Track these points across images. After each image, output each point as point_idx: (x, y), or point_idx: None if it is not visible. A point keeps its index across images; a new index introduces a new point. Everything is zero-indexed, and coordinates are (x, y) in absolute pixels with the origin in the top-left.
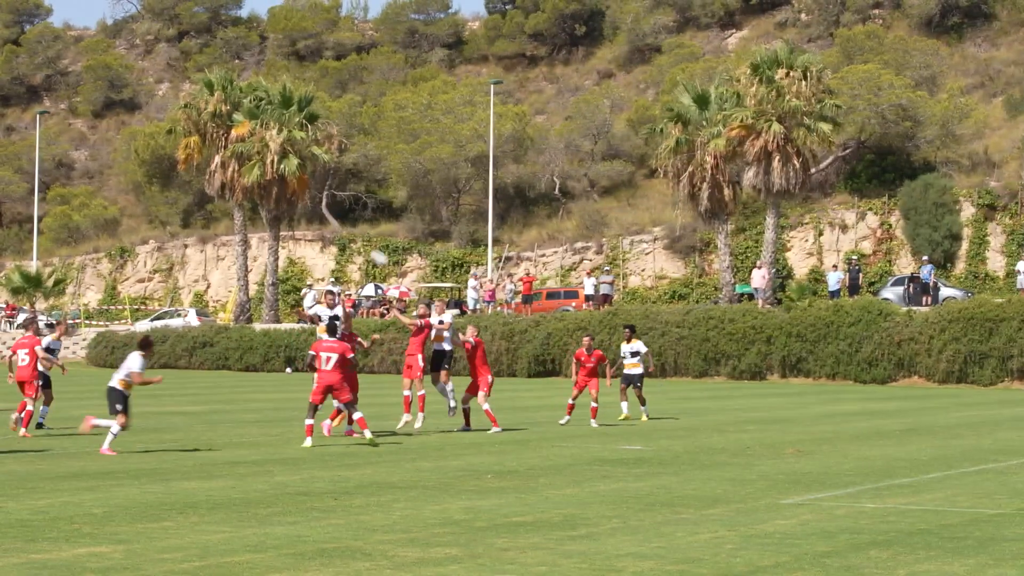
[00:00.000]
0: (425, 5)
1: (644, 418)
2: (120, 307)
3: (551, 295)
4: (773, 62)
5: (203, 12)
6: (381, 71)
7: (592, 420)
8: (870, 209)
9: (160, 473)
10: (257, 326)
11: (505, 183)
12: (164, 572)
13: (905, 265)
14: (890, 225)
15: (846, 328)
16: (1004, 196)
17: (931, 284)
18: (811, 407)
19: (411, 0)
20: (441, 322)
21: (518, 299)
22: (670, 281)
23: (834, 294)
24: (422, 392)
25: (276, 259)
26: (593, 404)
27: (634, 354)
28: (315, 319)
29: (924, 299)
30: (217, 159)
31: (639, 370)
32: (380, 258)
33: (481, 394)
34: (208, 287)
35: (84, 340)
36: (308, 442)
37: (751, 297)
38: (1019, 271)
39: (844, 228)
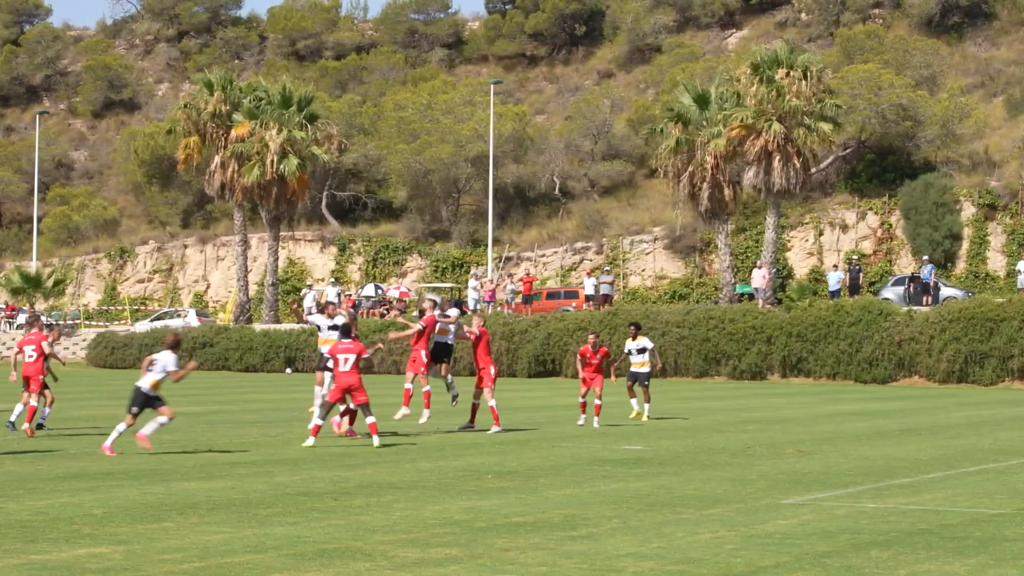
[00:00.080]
0: (425, 5)
1: (644, 418)
2: (120, 308)
3: (551, 295)
4: (773, 62)
5: (203, 12)
6: (381, 71)
7: (595, 419)
8: (870, 209)
9: (160, 474)
10: (257, 326)
11: (505, 183)
12: (164, 573)
13: (905, 265)
14: (890, 225)
15: (846, 328)
16: (1004, 196)
17: (931, 284)
18: (811, 407)
19: (411, 0)
20: (446, 315)
21: (518, 299)
22: (670, 281)
23: (834, 294)
24: (427, 388)
25: (276, 259)
26: (597, 402)
27: (640, 351)
28: (317, 327)
29: (924, 299)
30: (217, 159)
31: (646, 368)
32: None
33: (487, 390)
34: (208, 287)
35: (84, 341)
36: (311, 441)
37: (751, 297)
38: (1019, 271)
39: (844, 228)
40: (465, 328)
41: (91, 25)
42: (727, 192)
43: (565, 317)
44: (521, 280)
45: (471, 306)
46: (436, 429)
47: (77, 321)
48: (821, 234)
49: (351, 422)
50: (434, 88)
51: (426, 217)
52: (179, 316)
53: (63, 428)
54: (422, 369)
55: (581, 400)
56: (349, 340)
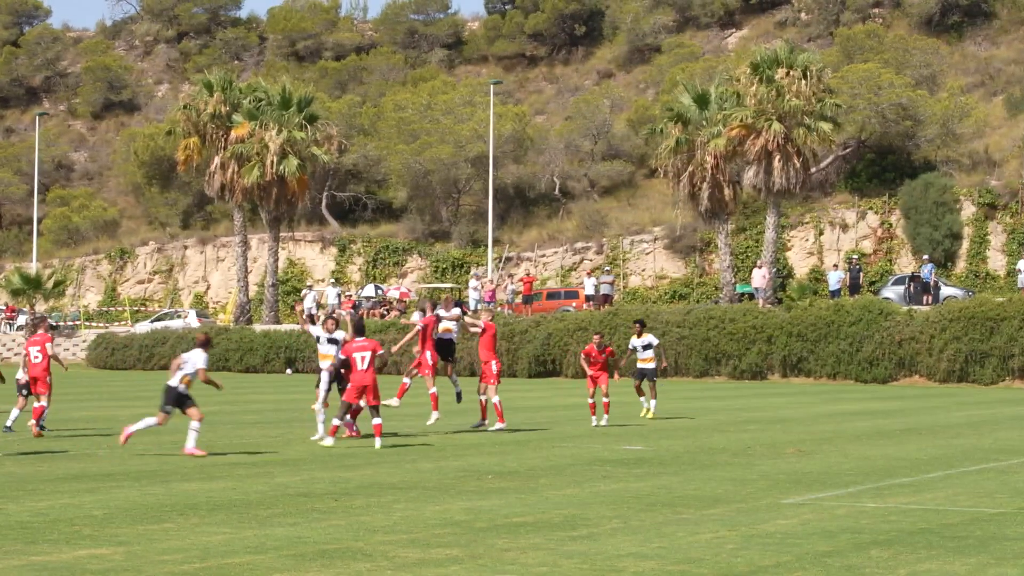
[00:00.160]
0: (424, 5)
1: (649, 414)
2: (120, 308)
3: (551, 295)
4: (773, 61)
5: (202, 13)
6: (381, 71)
7: (604, 416)
8: (870, 208)
9: (160, 475)
10: (257, 327)
11: (505, 183)
12: (164, 574)
13: (906, 264)
14: (890, 224)
15: (847, 328)
16: (1004, 195)
17: (932, 283)
18: (812, 407)
19: (411, 0)
20: (449, 313)
21: (518, 299)
22: (670, 281)
23: (835, 293)
24: (433, 390)
25: (276, 260)
26: (605, 399)
27: (646, 347)
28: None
29: (925, 298)
30: (217, 160)
31: (652, 364)
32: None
33: (491, 387)
34: (208, 288)
35: (84, 342)
36: (329, 441)
37: (752, 297)
38: (1020, 270)
39: (844, 227)
40: (468, 321)
41: (91, 26)
42: (727, 192)
43: (565, 317)
44: (521, 280)
45: (471, 306)
46: (440, 430)
47: (77, 322)
48: (821, 234)
49: (353, 417)
50: (434, 88)
51: (426, 217)
52: (179, 317)
53: (63, 429)
54: (427, 371)
55: (590, 401)
56: (364, 338)
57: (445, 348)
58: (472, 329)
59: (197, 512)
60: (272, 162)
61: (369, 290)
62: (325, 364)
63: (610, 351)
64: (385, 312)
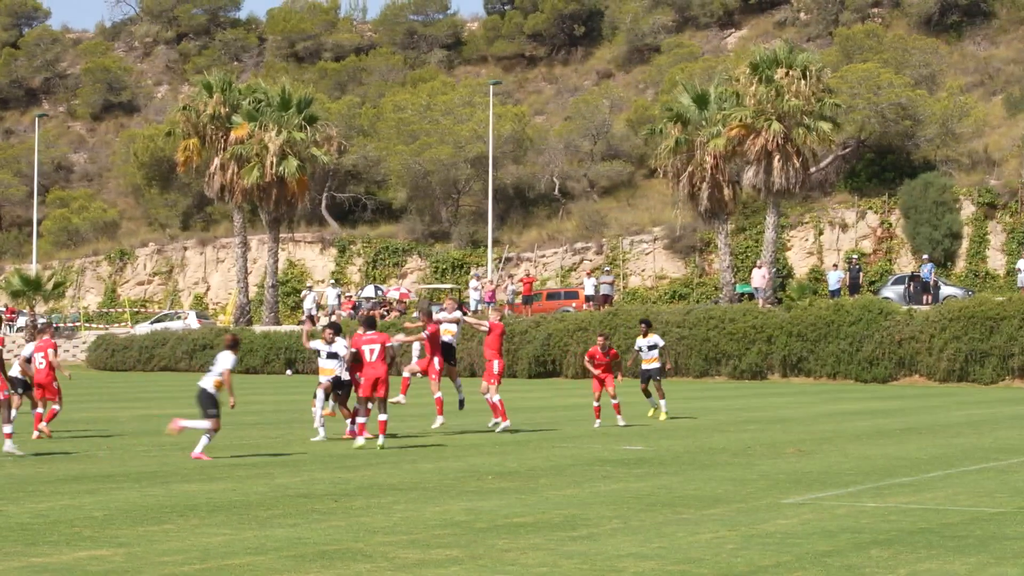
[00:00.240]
0: (424, 6)
1: (663, 415)
2: (120, 310)
3: (551, 296)
4: (772, 61)
5: (202, 14)
6: (380, 72)
7: (618, 417)
8: (870, 208)
9: (160, 476)
10: (257, 328)
11: (505, 184)
12: (164, 575)
13: (905, 264)
14: (890, 224)
15: (847, 327)
16: (1004, 194)
17: (931, 283)
18: (812, 406)
19: (410, 1)
20: (451, 316)
21: (518, 300)
22: (670, 281)
23: (834, 293)
24: (438, 395)
25: (276, 261)
26: (614, 401)
27: (651, 348)
28: (316, 352)
29: (924, 298)
30: (216, 161)
31: (657, 365)
32: None
33: (493, 386)
34: (208, 289)
35: (84, 343)
36: (360, 441)
37: (751, 297)
38: (1019, 269)
39: (844, 227)
40: (473, 321)
41: (90, 27)
42: (727, 192)
43: (565, 318)
44: (521, 281)
45: (472, 307)
46: (441, 430)
47: (77, 324)
48: (821, 233)
49: (353, 418)
50: (433, 89)
51: (426, 218)
52: (179, 318)
53: (63, 431)
54: (434, 376)
55: (595, 404)
56: (374, 332)
57: (445, 352)
58: (482, 329)
59: (197, 513)
60: (272, 163)
61: (369, 291)
62: (324, 379)
63: (614, 353)
64: (385, 313)
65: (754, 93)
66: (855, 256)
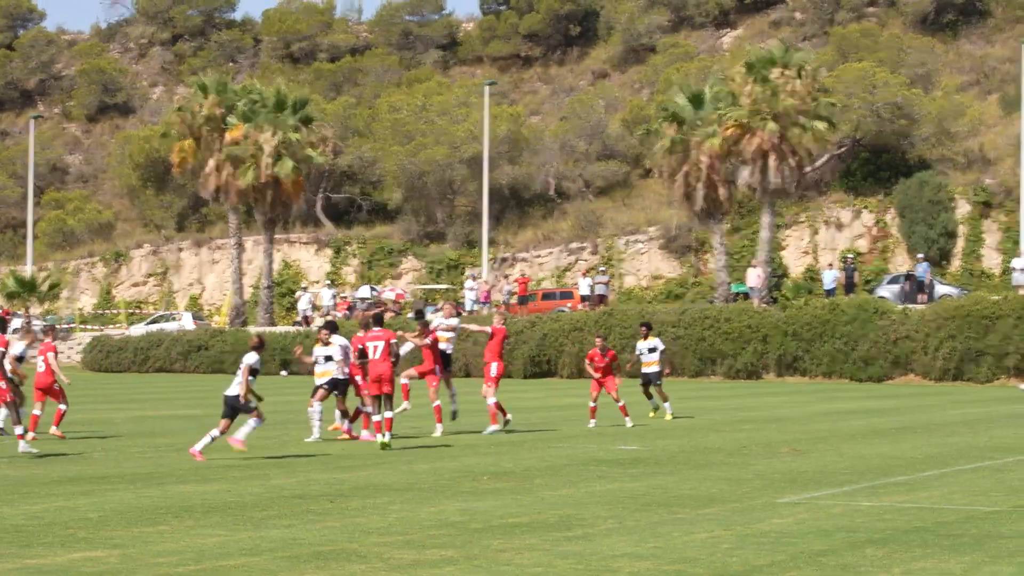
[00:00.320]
0: (419, 6)
1: (668, 416)
2: (115, 311)
3: (547, 296)
4: (768, 61)
5: (197, 15)
6: (375, 73)
7: (626, 419)
8: (865, 207)
9: (155, 477)
10: (252, 329)
11: (500, 184)
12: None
13: (901, 263)
14: (885, 223)
15: (842, 326)
16: (999, 193)
17: (927, 282)
18: (807, 406)
19: (405, 2)
20: (448, 323)
21: (514, 300)
22: (666, 281)
23: (830, 293)
24: (437, 403)
25: (271, 262)
26: (620, 403)
27: (651, 351)
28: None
29: (920, 297)
30: (212, 162)
31: (656, 368)
32: None
33: (490, 389)
34: (203, 291)
35: (79, 345)
36: (387, 437)
37: (747, 296)
38: (1014, 268)
39: (840, 226)
40: (475, 329)
41: (85, 29)
42: (722, 191)
43: (560, 318)
44: (516, 281)
45: (468, 308)
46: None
47: (72, 325)
48: (816, 233)
49: (353, 419)
50: (429, 89)
51: (421, 219)
52: (174, 319)
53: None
54: (434, 384)
55: (592, 404)
56: (379, 329)
57: (443, 359)
58: (485, 333)
59: (192, 514)
60: (267, 164)
61: (364, 291)
62: (321, 381)
63: (613, 355)
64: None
65: (749, 93)
66: (850, 255)
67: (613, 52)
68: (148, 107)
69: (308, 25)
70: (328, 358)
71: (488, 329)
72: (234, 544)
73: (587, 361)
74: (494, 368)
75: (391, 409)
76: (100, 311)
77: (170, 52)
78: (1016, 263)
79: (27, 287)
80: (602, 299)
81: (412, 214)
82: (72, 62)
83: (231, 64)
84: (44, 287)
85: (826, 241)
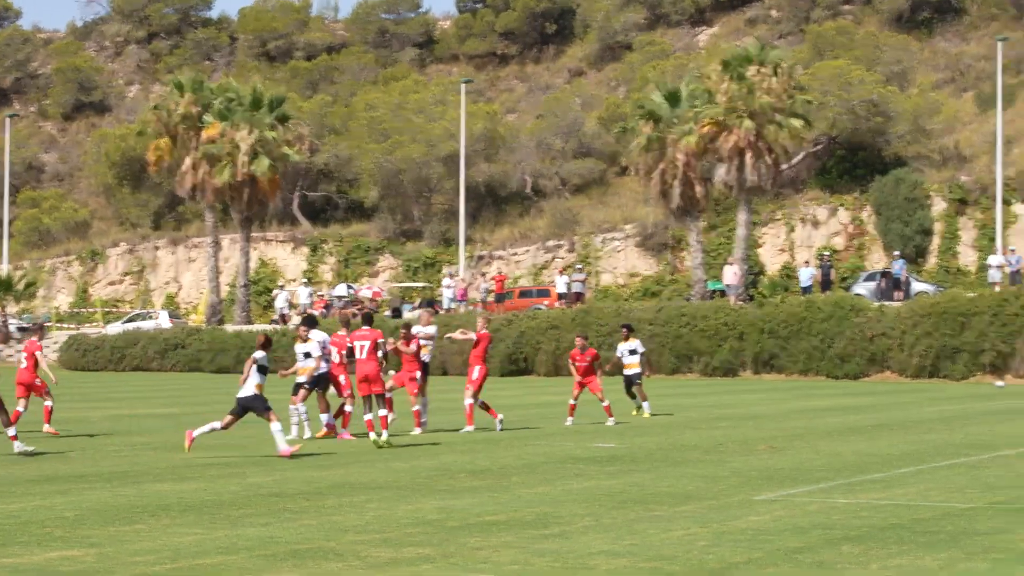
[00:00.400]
0: (395, 5)
1: (646, 414)
2: (91, 310)
3: (523, 294)
4: (744, 59)
5: (173, 13)
6: (352, 71)
7: (609, 419)
8: (842, 205)
9: (132, 476)
10: (229, 327)
11: (477, 182)
12: (136, 575)
13: (877, 260)
14: (862, 220)
15: (818, 324)
16: (975, 191)
17: (903, 279)
18: (784, 403)
19: (381, 0)
20: (425, 331)
21: (491, 298)
22: (642, 278)
23: (806, 290)
24: (417, 407)
25: (247, 260)
26: (604, 403)
27: (632, 352)
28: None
29: (896, 294)
30: (188, 161)
31: (637, 370)
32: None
33: (468, 391)
34: (180, 289)
35: (56, 343)
36: (384, 436)
37: (723, 294)
38: (990, 265)
39: (816, 224)
40: (460, 337)
41: (61, 27)
42: (698, 189)
43: (537, 315)
44: (494, 279)
45: (445, 305)
46: (434, 430)
47: (48, 324)
48: (792, 230)
49: (345, 422)
50: (405, 88)
51: (398, 217)
52: (151, 318)
53: (34, 431)
54: (415, 390)
55: (571, 402)
56: (367, 328)
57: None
58: (470, 339)
59: (169, 513)
60: (243, 162)
61: (341, 290)
62: (302, 379)
63: (594, 354)
64: (357, 312)
65: (726, 90)
66: (827, 253)
67: (589, 50)
68: (124, 105)
69: (284, 23)
70: (307, 355)
71: (474, 336)
72: (211, 543)
73: (570, 361)
74: (476, 371)
75: (383, 407)
76: (76, 310)
77: (146, 50)
78: (992, 260)
79: (3, 286)
80: (579, 297)
81: (389, 212)
82: (48, 60)
83: (207, 62)
84: (20, 286)
85: (802, 238)
